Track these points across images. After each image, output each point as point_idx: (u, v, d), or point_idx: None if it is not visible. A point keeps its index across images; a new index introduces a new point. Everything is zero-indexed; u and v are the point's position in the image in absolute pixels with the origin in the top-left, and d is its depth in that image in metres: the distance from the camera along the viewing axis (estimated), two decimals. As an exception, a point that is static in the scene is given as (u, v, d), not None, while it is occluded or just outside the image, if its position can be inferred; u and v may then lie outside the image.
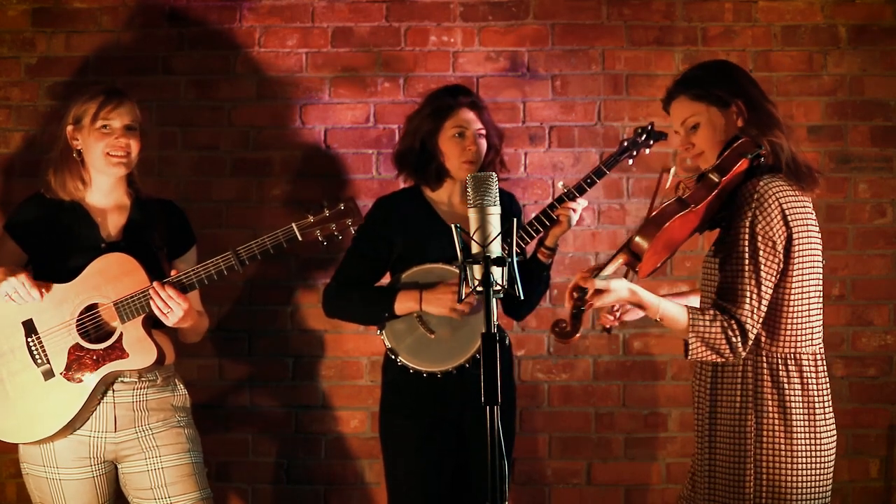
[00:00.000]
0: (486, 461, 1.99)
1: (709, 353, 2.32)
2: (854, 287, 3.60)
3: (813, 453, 2.34)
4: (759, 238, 2.31)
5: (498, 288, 2.03)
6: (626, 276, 2.35)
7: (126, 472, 2.85)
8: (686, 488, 2.58)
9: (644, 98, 3.63)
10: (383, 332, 3.00)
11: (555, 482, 3.63)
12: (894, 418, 3.61)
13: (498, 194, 2.07)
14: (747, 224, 2.32)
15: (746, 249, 2.32)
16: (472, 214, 2.06)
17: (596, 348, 3.62)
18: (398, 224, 3.06)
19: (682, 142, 2.50)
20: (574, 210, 2.97)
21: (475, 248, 2.05)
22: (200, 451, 2.92)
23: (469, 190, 2.07)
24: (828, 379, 2.41)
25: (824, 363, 2.41)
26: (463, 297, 2.05)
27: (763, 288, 2.31)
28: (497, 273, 2.03)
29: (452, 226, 2.08)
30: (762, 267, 2.31)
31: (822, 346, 2.42)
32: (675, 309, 2.33)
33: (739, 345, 2.30)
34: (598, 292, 2.27)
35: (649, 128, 3.06)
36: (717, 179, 2.34)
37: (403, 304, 2.95)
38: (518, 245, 3.00)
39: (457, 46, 3.66)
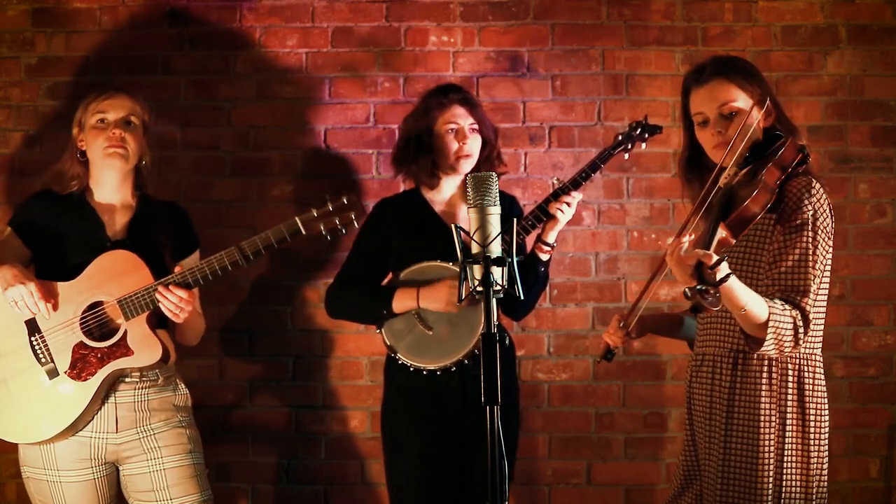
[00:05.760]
0: (486, 461, 1.99)
1: (776, 347, 2.26)
2: (854, 287, 3.60)
3: (820, 453, 2.35)
4: (820, 232, 2.31)
5: (498, 288, 2.03)
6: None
7: (127, 473, 2.85)
8: (676, 488, 2.56)
9: (644, 98, 3.63)
10: (382, 330, 3.01)
11: (555, 482, 3.63)
12: (894, 418, 3.61)
13: (498, 194, 2.07)
14: (808, 217, 2.30)
15: (810, 242, 2.30)
16: (472, 214, 2.06)
17: (596, 348, 3.60)
18: (397, 225, 3.08)
19: (714, 124, 2.42)
20: (569, 204, 2.97)
21: (475, 248, 2.05)
22: (201, 451, 2.92)
23: (469, 190, 2.07)
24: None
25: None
26: (463, 297, 2.05)
27: (818, 279, 2.31)
28: (497, 273, 2.03)
29: (452, 226, 2.08)
30: (819, 259, 2.31)
31: None
32: (758, 301, 2.22)
33: (802, 337, 2.27)
34: (714, 267, 2.11)
35: (644, 121, 3.07)
36: (785, 167, 2.32)
37: (401, 301, 2.96)
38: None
39: (457, 46, 3.66)
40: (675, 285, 3.56)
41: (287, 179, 3.65)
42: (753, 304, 2.20)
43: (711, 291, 2.10)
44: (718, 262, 2.11)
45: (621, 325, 2.60)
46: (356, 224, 2.82)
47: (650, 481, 3.62)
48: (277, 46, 3.66)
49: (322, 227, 2.78)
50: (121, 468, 2.86)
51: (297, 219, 2.78)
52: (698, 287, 2.09)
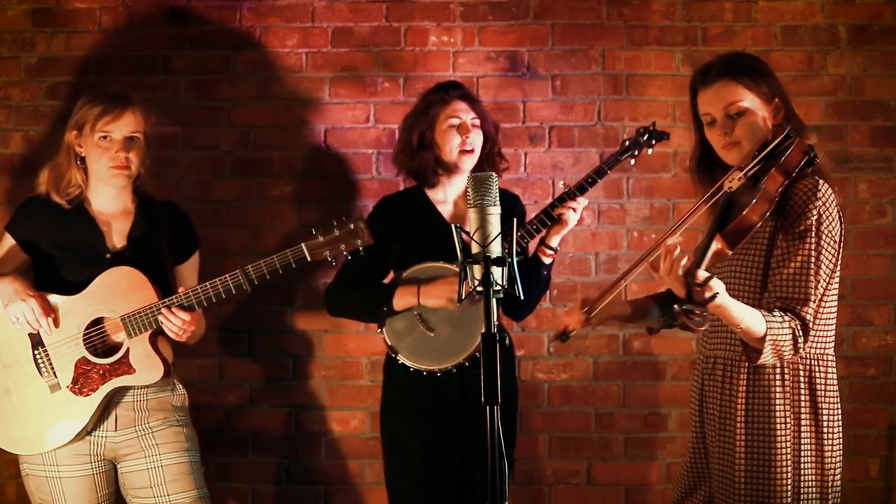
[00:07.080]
0: (486, 461, 1.99)
1: (775, 357, 2.26)
2: (854, 287, 3.60)
3: (833, 452, 2.35)
4: (824, 236, 2.29)
5: (498, 288, 2.03)
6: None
7: (125, 471, 2.85)
8: (682, 489, 2.55)
9: (644, 98, 3.63)
10: (384, 330, 3.01)
11: (555, 482, 3.63)
12: (894, 418, 3.61)
13: (498, 194, 2.07)
14: (812, 222, 2.28)
15: (812, 248, 2.28)
16: (473, 214, 2.06)
17: (596, 348, 3.62)
18: (399, 223, 3.07)
19: (721, 126, 2.40)
20: (574, 209, 2.98)
21: (475, 248, 2.05)
22: (198, 450, 2.93)
23: (469, 190, 2.07)
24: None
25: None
26: (463, 296, 2.05)
27: (821, 286, 2.30)
28: (497, 273, 2.03)
29: (452, 226, 2.08)
30: (823, 266, 2.29)
31: None
32: (753, 317, 2.20)
33: (801, 345, 2.26)
34: (703, 286, 2.08)
35: (651, 127, 3.07)
36: (789, 171, 2.29)
37: (402, 299, 2.97)
38: (519, 244, 3.01)
39: (457, 46, 3.66)
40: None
41: (287, 179, 3.65)
42: (749, 320, 2.19)
43: (697, 311, 2.04)
44: (707, 280, 2.07)
45: (585, 310, 2.54)
46: (361, 252, 2.80)
47: (650, 481, 3.62)
48: (277, 46, 3.66)
49: (328, 253, 2.78)
50: (119, 466, 2.87)
51: (303, 245, 2.77)
52: (684, 307, 2.04)
